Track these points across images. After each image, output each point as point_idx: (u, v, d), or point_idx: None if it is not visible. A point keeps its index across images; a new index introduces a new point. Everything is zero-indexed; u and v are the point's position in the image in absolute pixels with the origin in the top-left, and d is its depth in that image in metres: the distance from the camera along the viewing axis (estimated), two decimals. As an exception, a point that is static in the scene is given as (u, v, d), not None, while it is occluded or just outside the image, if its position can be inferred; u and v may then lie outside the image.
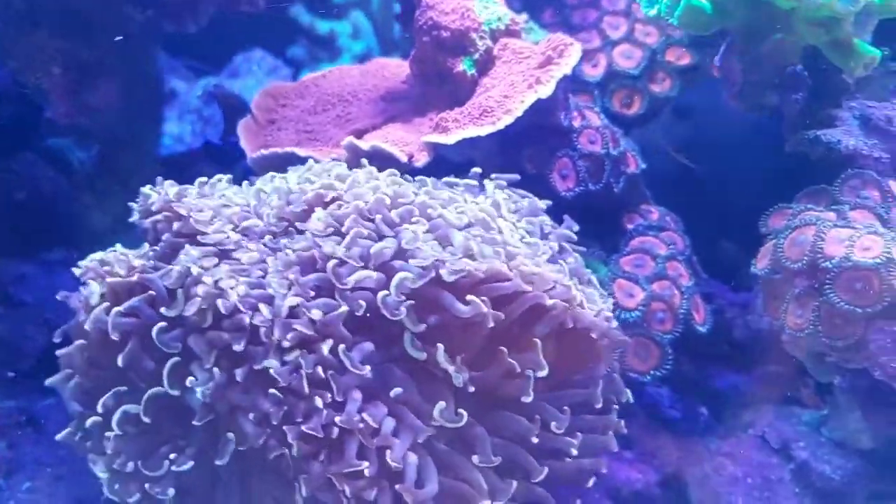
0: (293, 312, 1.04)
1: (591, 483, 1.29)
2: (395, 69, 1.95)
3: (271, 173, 1.32)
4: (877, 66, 1.45)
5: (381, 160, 1.55)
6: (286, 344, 1.02)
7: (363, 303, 1.06)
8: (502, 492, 1.20)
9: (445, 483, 1.14)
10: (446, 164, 1.66)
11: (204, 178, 1.29)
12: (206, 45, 2.60)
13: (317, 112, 1.87)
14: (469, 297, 1.14)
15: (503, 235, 1.28)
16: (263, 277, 1.08)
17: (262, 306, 1.03)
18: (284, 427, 1.03)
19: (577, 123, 1.73)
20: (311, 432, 1.02)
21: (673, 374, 1.93)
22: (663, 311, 1.64)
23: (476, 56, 1.74)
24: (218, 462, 1.10)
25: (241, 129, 1.80)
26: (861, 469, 1.70)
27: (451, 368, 1.13)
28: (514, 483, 1.22)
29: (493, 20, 1.76)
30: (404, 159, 1.57)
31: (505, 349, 1.15)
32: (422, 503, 1.03)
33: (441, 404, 1.09)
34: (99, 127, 1.86)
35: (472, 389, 1.16)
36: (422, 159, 1.56)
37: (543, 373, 1.21)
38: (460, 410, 1.10)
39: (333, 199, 1.16)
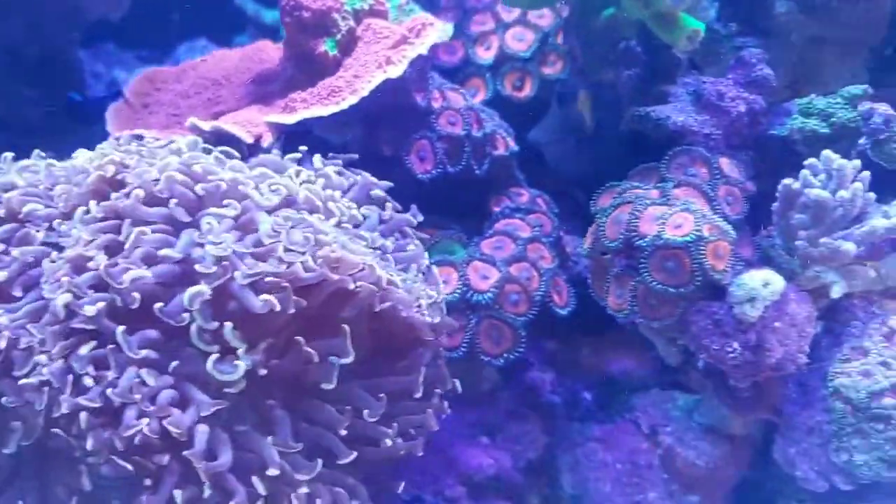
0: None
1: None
2: (274, 52, 1.92)
3: (80, 150, 1.30)
4: (723, 42, 1.42)
5: (227, 142, 1.54)
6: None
7: (137, 295, 1.04)
8: (306, 469, 1.19)
9: (240, 456, 1.13)
10: (327, 145, 1.65)
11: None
12: (153, 34, 2.63)
13: (189, 96, 1.85)
14: (264, 296, 1.11)
15: (321, 217, 1.26)
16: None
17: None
18: (61, 398, 1.00)
19: (437, 105, 1.70)
20: (88, 403, 0.99)
21: (564, 357, 1.91)
22: (518, 294, 1.61)
23: (338, 37, 1.72)
24: (5, 451, 1.08)
25: (110, 113, 1.79)
26: (728, 455, 1.67)
27: (240, 349, 1.12)
28: (320, 462, 1.21)
29: (356, 0, 1.74)
30: (250, 140, 1.55)
31: (302, 338, 1.13)
32: (213, 471, 1.01)
33: (225, 377, 1.07)
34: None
35: (263, 372, 1.14)
36: (268, 140, 1.55)
37: (348, 359, 1.19)
38: (235, 386, 1.08)
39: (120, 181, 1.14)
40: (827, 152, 1.25)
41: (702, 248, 1.23)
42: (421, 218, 1.54)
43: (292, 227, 1.16)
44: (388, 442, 1.27)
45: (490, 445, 1.68)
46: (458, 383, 1.43)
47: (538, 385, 1.95)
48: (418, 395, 1.33)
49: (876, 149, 1.34)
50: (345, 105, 1.52)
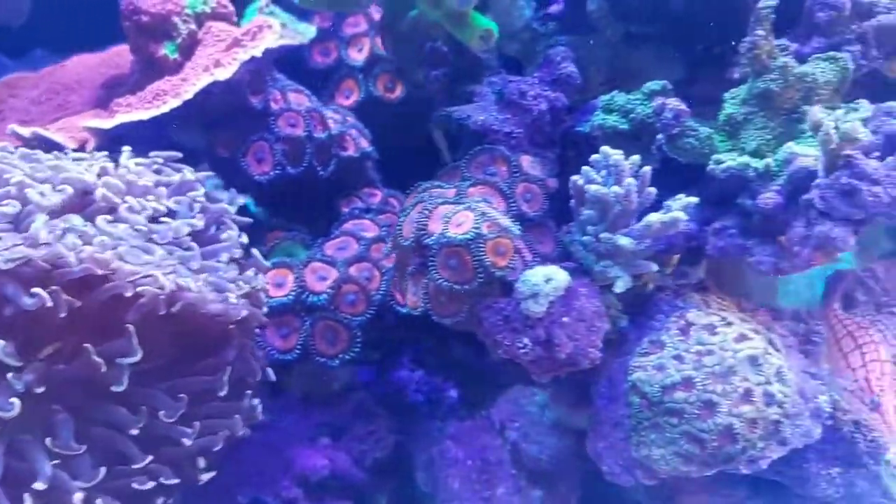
0: None
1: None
2: (130, 56, 1.94)
3: None
4: (541, 41, 1.44)
5: (50, 147, 1.55)
6: None
7: None
8: (85, 476, 1.20)
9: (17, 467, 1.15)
10: (179, 148, 1.66)
11: None
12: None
13: (41, 102, 1.86)
14: (34, 290, 1.13)
15: (108, 218, 1.27)
16: None
17: None
18: None
19: (276, 106, 1.72)
20: None
21: (439, 356, 1.93)
22: (355, 294, 1.63)
23: (179, 40, 1.73)
24: None
25: (-36, 121, 1.80)
26: (574, 450, 1.68)
27: (10, 374, 1.13)
28: (103, 469, 1.22)
29: (197, 3, 1.75)
30: (73, 146, 1.56)
31: (90, 344, 1.15)
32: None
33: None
34: None
35: (40, 390, 1.15)
36: (91, 145, 1.56)
37: (135, 358, 1.21)
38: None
39: None
40: (605, 148, 1.27)
41: (481, 245, 1.24)
42: (241, 201, 1.56)
43: (67, 230, 1.18)
44: (188, 442, 1.29)
45: (330, 446, 1.70)
46: (270, 372, 1.44)
47: (404, 384, 1.98)
48: (222, 393, 1.34)
49: (670, 144, 1.36)
50: (166, 108, 1.54)
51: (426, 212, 1.29)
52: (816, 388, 1.38)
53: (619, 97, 1.40)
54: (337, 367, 1.63)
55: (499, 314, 1.29)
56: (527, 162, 1.40)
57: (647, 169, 1.27)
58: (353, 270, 1.65)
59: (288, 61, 1.95)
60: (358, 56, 1.98)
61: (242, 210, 1.87)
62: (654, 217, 1.22)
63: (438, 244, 1.26)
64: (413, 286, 1.32)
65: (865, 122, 1.31)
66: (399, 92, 1.97)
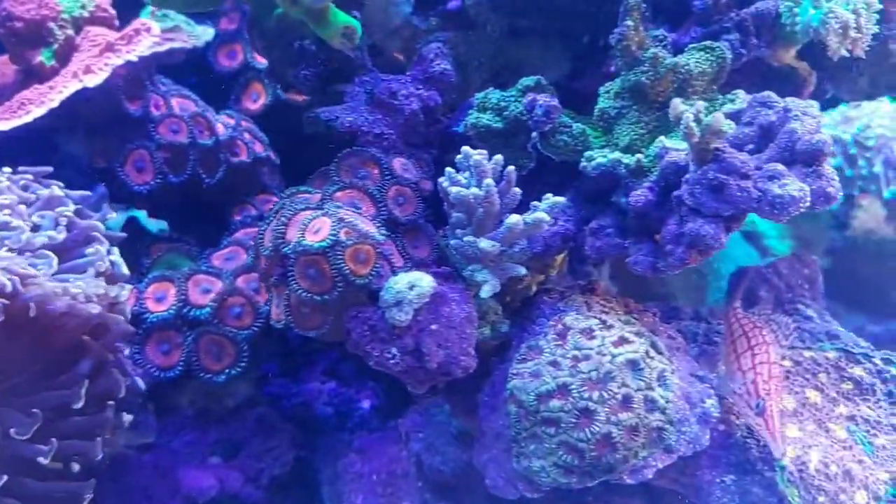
0: None
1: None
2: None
3: None
4: (421, 38, 1.39)
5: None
6: None
7: None
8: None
9: None
10: (69, 157, 1.61)
11: None
12: None
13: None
14: None
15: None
16: None
17: None
18: None
19: (158, 112, 1.66)
20: None
21: (357, 365, 1.87)
22: (241, 306, 1.57)
23: (55, 46, 1.67)
24: None
25: None
26: (477, 459, 1.62)
27: None
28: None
29: (74, 8, 1.69)
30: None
31: None
32: None
33: None
34: None
35: None
36: (-43, 157, 1.50)
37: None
38: None
39: None
40: (466, 149, 1.22)
41: (339, 253, 1.19)
42: (114, 216, 1.50)
43: None
44: (44, 460, 1.23)
45: (221, 465, 1.64)
46: (140, 381, 1.39)
47: (314, 396, 1.92)
48: (78, 405, 1.28)
49: (543, 141, 1.31)
50: (29, 118, 1.48)
51: (284, 219, 1.24)
52: (704, 391, 1.34)
53: (494, 94, 1.36)
54: (223, 382, 1.57)
55: (365, 324, 1.24)
56: (399, 164, 1.35)
57: (512, 169, 1.22)
58: (240, 282, 1.59)
59: (195, 65, 1.90)
60: (263, 59, 1.93)
61: (131, 222, 1.82)
62: (514, 219, 1.18)
63: (295, 253, 1.21)
64: (276, 298, 1.27)
65: (741, 113, 1.27)
66: (263, 100, 1.91)
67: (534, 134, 1.32)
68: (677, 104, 1.14)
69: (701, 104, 1.13)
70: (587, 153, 1.28)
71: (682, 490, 1.39)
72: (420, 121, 1.37)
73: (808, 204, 1.14)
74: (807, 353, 1.51)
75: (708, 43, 1.31)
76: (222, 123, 1.75)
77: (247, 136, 1.78)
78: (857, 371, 1.49)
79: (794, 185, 1.13)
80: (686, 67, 1.28)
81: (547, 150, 1.32)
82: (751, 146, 1.23)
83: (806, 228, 2.88)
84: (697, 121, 1.13)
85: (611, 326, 1.31)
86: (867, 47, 1.51)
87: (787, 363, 1.49)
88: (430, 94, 1.37)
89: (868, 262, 2.88)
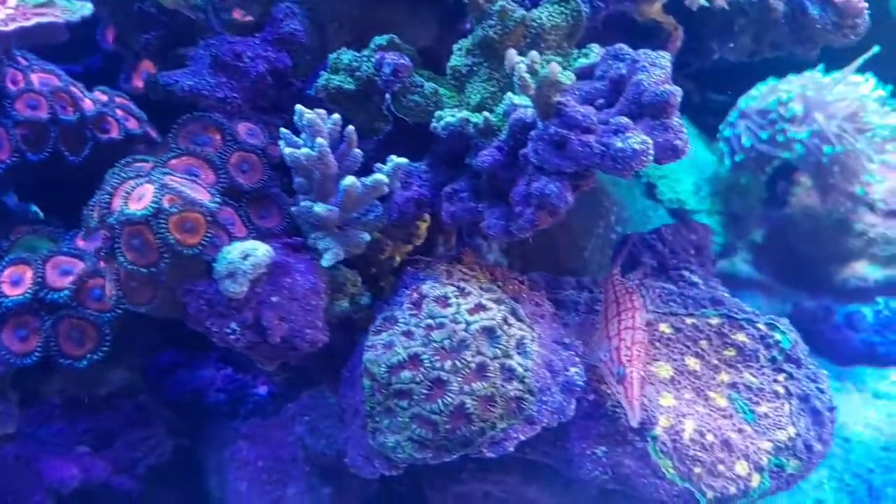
0: None
1: None
2: None
3: None
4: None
5: None
6: None
7: None
8: None
9: None
10: None
11: None
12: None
13: None
14: None
15: None
16: None
17: None
18: None
19: (14, 87, 1.59)
20: None
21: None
22: (101, 288, 1.50)
23: None
24: None
25: None
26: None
27: None
28: None
29: (-73, -19, 1.61)
30: None
31: None
32: None
33: None
34: None
35: None
36: None
37: None
38: None
39: None
40: (299, 107, 1.16)
41: (163, 221, 1.13)
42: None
43: None
44: None
45: (87, 454, 1.58)
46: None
47: (206, 384, 1.87)
48: None
49: (395, 102, 1.26)
50: None
51: (109, 188, 1.18)
52: (568, 359, 1.29)
53: (346, 55, 1.30)
54: (84, 368, 1.51)
55: (201, 298, 1.18)
56: (245, 129, 1.29)
57: (351, 129, 1.17)
58: (103, 263, 1.53)
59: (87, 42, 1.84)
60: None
61: (-3, 203, 1.76)
62: (349, 181, 1.13)
63: (119, 222, 1.15)
64: (107, 272, 1.21)
65: (594, 66, 1.23)
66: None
67: (387, 95, 1.27)
68: (511, 55, 1.09)
69: (535, 55, 1.09)
70: (437, 113, 1.23)
71: (554, 464, 1.35)
72: (269, 84, 1.32)
73: (651, 157, 1.09)
74: (689, 320, 1.47)
75: (563, -5, 1.26)
76: (92, 100, 1.69)
77: (119, 112, 1.72)
78: (740, 337, 1.45)
79: (636, 139, 1.08)
80: (538, 21, 1.24)
81: (399, 112, 1.27)
82: (601, 100, 1.18)
83: (736, 203, 2.86)
84: (532, 72, 1.08)
85: (468, 294, 1.27)
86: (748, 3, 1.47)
87: (666, 330, 1.45)
88: (279, 56, 1.32)
89: (805, 240, 2.86)
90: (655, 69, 1.14)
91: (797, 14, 1.47)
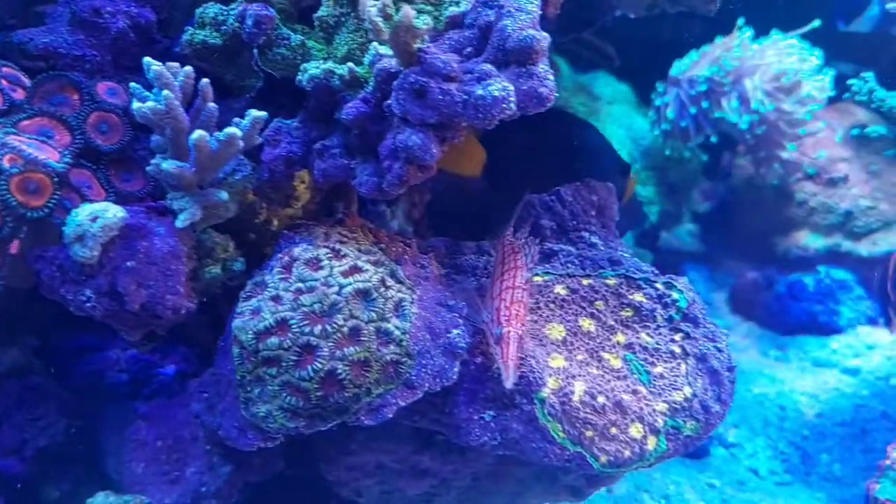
0: None
1: None
2: None
3: None
4: None
5: None
6: None
7: None
8: None
9: None
10: None
11: None
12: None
13: None
14: None
15: None
16: None
17: None
18: None
19: None
20: None
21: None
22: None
23: None
24: None
25: None
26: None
27: None
28: None
29: None
30: None
31: None
32: None
33: None
34: None
35: None
36: None
37: None
38: None
39: None
40: (147, 60, 1.11)
41: (3, 182, 1.08)
42: None
43: None
44: None
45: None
46: None
47: (108, 365, 1.82)
48: None
49: (262, 56, 1.21)
50: None
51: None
52: (451, 321, 1.26)
53: (213, 7, 1.25)
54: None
55: (52, 265, 1.13)
56: (104, 88, 1.24)
57: (205, 82, 1.12)
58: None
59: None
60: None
61: None
62: (198, 135, 1.08)
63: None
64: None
65: (465, 14, 1.18)
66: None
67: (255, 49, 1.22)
68: (364, 1, 1.05)
69: (404, 4, 1.04)
70: (302, 66, 1.18)
71: (444, 430, 1.32)
72: (132, 41, 1.26)
73: (513, 105, 1.05)
74: (585, 281, 1.43)
75: (433, -59, 1.21)
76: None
77: (4, 83, 1.65)
78: (638, 297, 1.42)
79: (497, 85, 1.05)
80: (408, -32, 1.19)
81: (266, 66, 1.22)
82: (470, 49, 1.14)
83: (673, 174, 2.84)
84: (386, 17, 1.04)
85: (344, 256, 1.22)
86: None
87: (562, 291, 1.42)
88: (142, 12, 1.26)
89: (749, 211, 2.85)
90: (521, 14, 1.10)
91: (693, -36, 1.44)
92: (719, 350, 1.38)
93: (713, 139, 2.51)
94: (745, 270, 2.88)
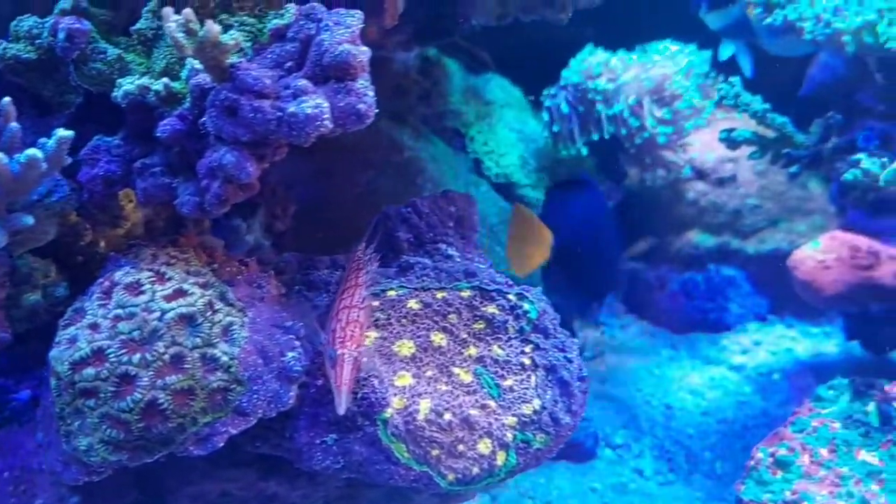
0: None
1: None
2: None
3: None
4: None
5: None
6: None
7: None
8: None
9: None
10: None
11: None
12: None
13: None
14: None
15: None
16: None
17: None
18: None
19: None
20: None
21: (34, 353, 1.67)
22: None
23: None
24: None
25: None
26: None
27: None
28: None
29: None
30: None
31: None
32: None
33: None
34: None
35: None
36: None
37: None
38: None
39: None
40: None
41: None
42: None
43: None
44: None
45: None
46: None
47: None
48: None
49: (77, 72, 1.15)
50: None
51: None
52: (287, 343, 1.22)
53: (28, 20, 1.19)
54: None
55: None
56: None
57: (7, 100, 1.06)
58: None
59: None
60: None
61: None
62: (-13, 156, 1.01)
63: None
64: None
65: (288, 27, 1.15)
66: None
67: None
68: (167, 14, 1.00)
69: (189, 12, 1.00)
70: (118, 81, 1.13)
71: (287, 456, 1.28)
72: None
73: (328, 122, 1.02)
74: (439, 294, 1.42)
75: (256, -48, 1.18)
76: None
77: None
78: (491, 309, 1.41)
79: (310, 103, 1.01)
80: (228, -21, 1.15)
81: (82, 81, 1.16)
82: (291, 63, 1.10)
83: (564, 175, 2.86)
84: (189, 32, 0.99)
85: (168, 279, 1.18)
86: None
87: (415, 305, 1.40)
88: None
89: (643, 210, 2.89)
90: (339, 28, 1.07)
91: (543, -27, 1.43)
92: (569, 360, 1.38)
93: (606, 137, 2.53)
94: (641, 269, 2.93)
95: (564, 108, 2.40)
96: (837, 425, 1.69)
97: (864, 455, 1.62)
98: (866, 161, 1.59)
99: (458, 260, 1.48)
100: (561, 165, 2.76)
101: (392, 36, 1.52)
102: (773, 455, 1.67)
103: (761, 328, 2.70)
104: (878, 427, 1.65)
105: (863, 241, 2.19)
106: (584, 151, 2.58)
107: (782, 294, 2.47)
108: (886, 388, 1.72)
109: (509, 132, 2.73)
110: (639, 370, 2.58)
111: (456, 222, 1.52)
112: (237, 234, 1.56)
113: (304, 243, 1.76)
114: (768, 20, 1.63)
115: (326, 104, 1.02)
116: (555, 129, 2.50)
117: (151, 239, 1.33)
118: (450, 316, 1.40)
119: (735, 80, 1.98)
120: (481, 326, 1.40)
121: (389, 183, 2.29)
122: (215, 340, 1.15)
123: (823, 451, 1.65)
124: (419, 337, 1.36)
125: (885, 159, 1.62)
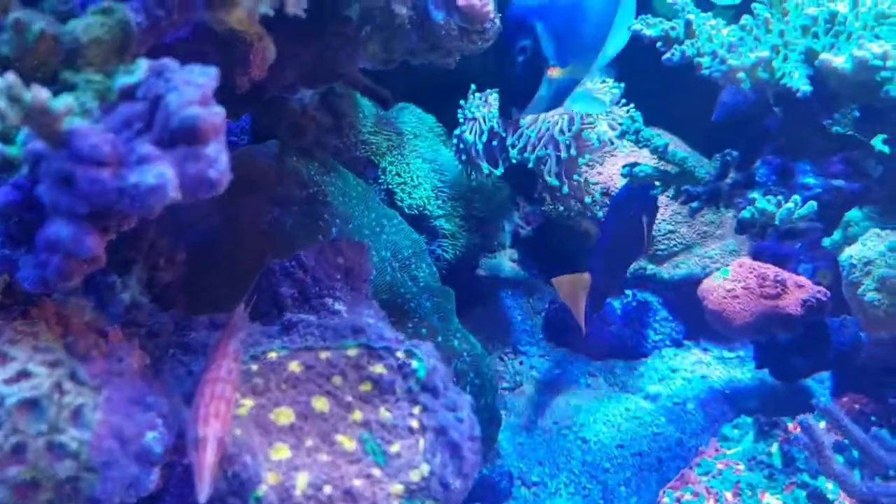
0: None
1: None
2: None
3: None
4: None
5: None
6: None
7: None
8: None
9: None
10: None
11: None
12: None
13: None
14: None
15: None
16: None
17: None
18: None
19: None
20: None
21: None
22: None
23: None
24: None
25: None
26: None
27: None
28: None
29: None
30: None
31: None
32: None
33: None
34: None
35: None
36: None
37: None
38: None
39: None
40: None
41: None
42: None
43: None
44: None
45: None
46: None
47: None
48: None
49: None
50: None
51: None
52: (147, 422, 1.13)
53: None
54: None
55: None
56: None
57: None
58: None
59: None
60: None
61: None
62: None
63: None
64: None
65: (138, 86, 1.06)
66: None
67: None
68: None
69: (12, 78, 0.91)
70: (-48, 147, 1.03)
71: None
72: None
73: (172, 193, 0.94)
74: (323, 355, 1.35)
75: (107, 4, 1.09)
76: None
77: None
78: (378, 368, 1.35)
79: (153, 172, 0.93)
80: (71, 35, 1.06)
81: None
82: (140, 124, 1.02)
83: (479, 205, 2.82)
84: (14, 99, 0.90)
85: (12, 359, 1.08)
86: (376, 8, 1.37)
87: (296, 368, 1.32)
88: None
89: (561, 236, 2.87)
90: (188, 88, 0.99)
91: (423, 20, 1.38)
92: (460, 420, 1.32)
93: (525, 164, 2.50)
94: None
95: (468, 139, 2.36)
96: (742, 467, 1.68)
97: (767, 498, 1.61)
98: (761, 201, 1.58)
99: (346, 315, 1.41)
100: (476, 193, 2.72)
101: (276, 81, 1.45)
102: (678, 500, 1.65)
103: (677, 353, 2.70)
104: (781, 469, 1.64)
105: (770, 270, 2.20)
106: (499, 173, 2.54)
107: (697, 318, 2.47)
108: (790, 426, 1.72)
109: (422, 163, 2.68)
110: (556, 401, 2.55)
111: (345, 274, 1.46)
112: (112, 291, 1.46)
113: (201, 292, 1.67)
114: (667, 56, 1.62)
115: (171, 173, 0.94)
116: (464, 158, 2.47)
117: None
118: (334, 378, 1.33)
119: (637, 115, 1.96)
120: (368, 388, 1.33)
121: (295, 220, 2.21)
122: (63, 426, 1.06)
123: (728, 495, 1.63)
124: (300, 403, 1.29)
125: (780, 198, 1.61)
